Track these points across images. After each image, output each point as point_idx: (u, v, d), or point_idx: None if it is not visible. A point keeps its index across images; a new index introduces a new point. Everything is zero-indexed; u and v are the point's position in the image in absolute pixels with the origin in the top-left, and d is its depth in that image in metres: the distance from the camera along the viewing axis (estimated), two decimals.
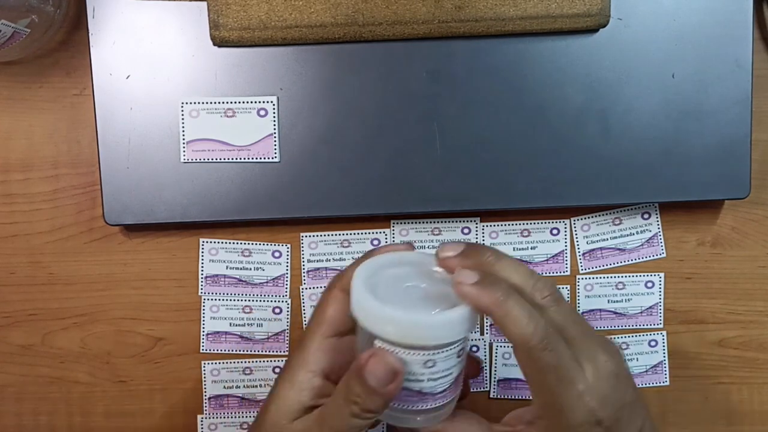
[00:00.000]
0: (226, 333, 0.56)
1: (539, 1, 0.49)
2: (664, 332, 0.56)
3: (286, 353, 0.56)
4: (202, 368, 0.56)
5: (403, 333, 0.37)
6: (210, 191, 0.52)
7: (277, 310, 0.56)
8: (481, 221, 0.55)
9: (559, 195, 0.52)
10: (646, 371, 0.57)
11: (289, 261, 0.55)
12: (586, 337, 0.39)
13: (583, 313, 0.56)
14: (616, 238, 0.55)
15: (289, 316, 0.56)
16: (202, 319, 0.56)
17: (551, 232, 0.55)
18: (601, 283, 0.56)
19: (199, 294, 0.55)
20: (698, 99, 0.51)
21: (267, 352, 0.56)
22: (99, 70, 0.51)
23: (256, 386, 0.56)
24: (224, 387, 0.56)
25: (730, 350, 0.57)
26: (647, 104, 0.51)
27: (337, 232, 0.55)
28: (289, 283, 0.55)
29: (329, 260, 0.55)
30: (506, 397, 0.57)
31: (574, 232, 0.55)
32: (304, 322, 0.56)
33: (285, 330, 0.56)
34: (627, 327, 0.56)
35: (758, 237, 0.56)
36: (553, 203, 0.52)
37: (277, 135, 0.51)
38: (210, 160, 0.52)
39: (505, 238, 0.55)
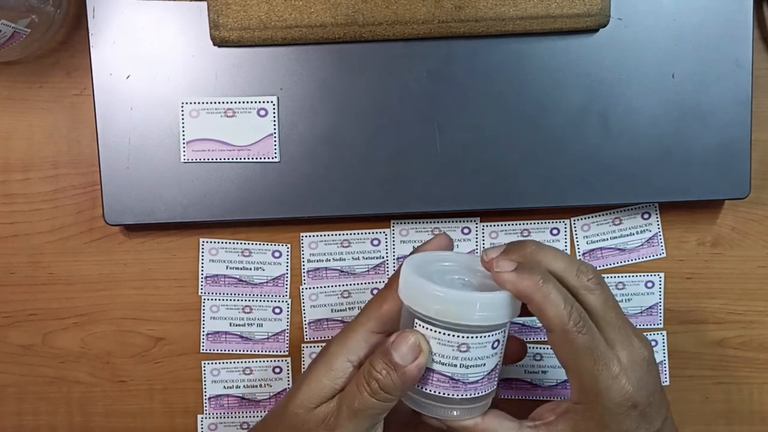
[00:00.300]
0: (226, 333, 0.56)
1: (539, 1, 0.49)
2: (664, 332, 0.56)
3: (287, 353, 0.56)
4: (202, 368, 0.56)
5: (443, 309, 0.38)
6: (210, 191, 0.52)
7: (277, 310, 0.56)
8: (481, 221, 0.55)
9: (559, 195, 0.52)
10: None
11: (289, 261, 0.55)
12: (624, 323, 0.41)
13: None
14: (616, 238, 0.55)
15: (289, 316, 0.56)
16: (202, 319, 0.56)
17: (551, 232, 0.55)
18: None
19: (199, 294, 0.55)
20: (698, 99, 0.51)
21: (267, 352, 0.56)
22: (99, 70, 0.51)
23: (256, 386, 0.56)
24: (224, 387, 0.56)
25: (730, 350, 0.57)
26: (647, 104, 0.51)
27: (337, 232, 0.55)
28: (289, 283, 0.55)
29: (329, 260, 0.55)
30: (506, 397, 0.57)
31: (574, 232, 0.55)
32: (304, 322, 0.56)
33: (285, 330, 0.56)
34: None
35: (758, 237, 0.56)
36: (553, 203, 0.52)
37: (277, 135, 0.51)
38: (210, 160, 0.52)
39: (505, 238, 0.55)
